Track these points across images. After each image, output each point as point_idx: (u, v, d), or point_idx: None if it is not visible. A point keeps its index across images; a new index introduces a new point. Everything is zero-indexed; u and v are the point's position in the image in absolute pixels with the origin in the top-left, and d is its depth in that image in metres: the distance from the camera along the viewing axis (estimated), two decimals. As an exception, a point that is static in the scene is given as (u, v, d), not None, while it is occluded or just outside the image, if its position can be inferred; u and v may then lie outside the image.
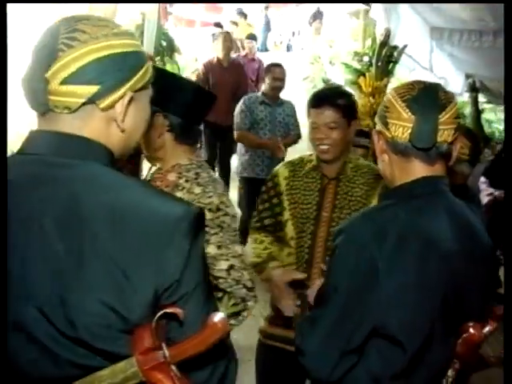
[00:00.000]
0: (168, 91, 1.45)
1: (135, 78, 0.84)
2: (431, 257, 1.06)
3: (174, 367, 0.74)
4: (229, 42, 5.26)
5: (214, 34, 6.40)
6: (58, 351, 0.75)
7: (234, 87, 5.07)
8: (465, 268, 1.09)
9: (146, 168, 1.79)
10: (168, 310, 0.74)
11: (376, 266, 1.03)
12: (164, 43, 4.62)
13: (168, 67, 4.48)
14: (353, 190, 1.78)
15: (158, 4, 3.84)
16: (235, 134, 4.18)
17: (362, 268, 1.06)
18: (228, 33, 5.61)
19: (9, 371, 0.77)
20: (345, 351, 1.06)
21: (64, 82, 0.78)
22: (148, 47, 3.72)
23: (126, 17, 4.40)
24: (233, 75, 5.13)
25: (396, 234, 1.05)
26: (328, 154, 1.77)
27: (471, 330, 1.10)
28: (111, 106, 0.83)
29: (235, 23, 8.48)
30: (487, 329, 1.11)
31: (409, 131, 1.08)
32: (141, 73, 0.85)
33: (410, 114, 1.08)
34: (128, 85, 0.83)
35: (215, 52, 5.25)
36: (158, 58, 4.38)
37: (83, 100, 0.80)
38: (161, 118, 1.48)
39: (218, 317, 0.75)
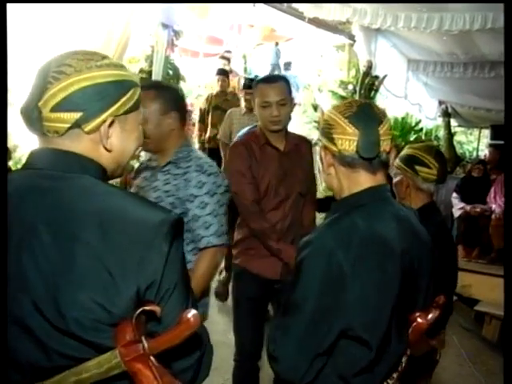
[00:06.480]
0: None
1: (117, 105, 0.88)
2: (387, 258, 1.09)
3: (152, 358, 0.77)
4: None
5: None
6: (49, 343, 0.79)
7: None
8: (412, 265, 1.14)
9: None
10: (146, 308, 0.77)
11: (343, 272, 1.05)
12: (170, 72, 4.66)
13: (174, 93, 4.60)
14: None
15: (166, 38, 3.93)
16: None
17: (332, 275, 1.06)
18: None
19: (7, 361, 0.81)
20: (315, 355, 1.08)
21: (52, 109, 0.84)
22: (156, 75, 3.82)
23: (137, 48, 4.55)
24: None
25: (359, 239, 1.08)
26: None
27: (419, 319, 1.16)
28: (95, 130, 0.87)
29: (225, 58, 8.63)
30: (430, 316, 1.16)
31: (355, 144, 1.13)
32: (123, 99, 0.89)
33: (353, 128, 1.13)
34: (109, 111, 0.87)
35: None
36: (165, 84, 4.49)
37: (69, 125, 0.85)
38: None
39: (191, 313, 0.77)
